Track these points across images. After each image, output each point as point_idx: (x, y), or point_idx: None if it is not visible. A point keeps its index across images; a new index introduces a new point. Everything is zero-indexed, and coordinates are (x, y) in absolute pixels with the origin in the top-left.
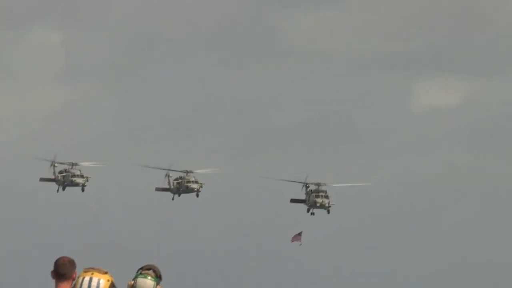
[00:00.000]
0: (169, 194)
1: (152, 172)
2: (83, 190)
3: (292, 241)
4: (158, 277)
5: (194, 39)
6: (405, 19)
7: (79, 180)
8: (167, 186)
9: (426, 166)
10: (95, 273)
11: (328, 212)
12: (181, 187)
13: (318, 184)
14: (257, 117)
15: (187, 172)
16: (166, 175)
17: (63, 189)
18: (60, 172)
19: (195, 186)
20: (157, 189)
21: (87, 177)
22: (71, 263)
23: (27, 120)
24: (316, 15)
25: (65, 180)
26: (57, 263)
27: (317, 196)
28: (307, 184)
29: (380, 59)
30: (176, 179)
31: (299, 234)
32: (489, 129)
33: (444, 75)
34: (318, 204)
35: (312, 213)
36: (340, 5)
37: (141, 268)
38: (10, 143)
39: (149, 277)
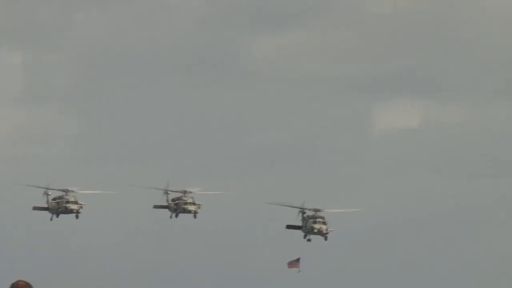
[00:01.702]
0: (167, 212)
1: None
2: (77, 217)
3: (289, 267)
4: None
5: (156, 61)
6: (365, 44)
7: (74, 207)
8: (165, 204)
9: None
10: None
11: (326, 239)
12: (178, 208)
13: (316, 210)
14: (222, 139)
15: (185, 192)
16: (165, 192)
17: (57, 216)
18: (54, 199)
19: (192, 208)
20: (155, 207)
21: (81, 204)
22: (28, 286)
23: None
24: (280, 38)
25: (59, 207)
26: (14, 286)
27: (315, 222)
28: (303, 209)
29: (343, 82)
30: (173, 200)
31: (297, 260)
32: (449, 151)
33: (403, 98)
34: (315, 230)
35: (309, 240)
36: (303, 30)
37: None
38: None
39: None
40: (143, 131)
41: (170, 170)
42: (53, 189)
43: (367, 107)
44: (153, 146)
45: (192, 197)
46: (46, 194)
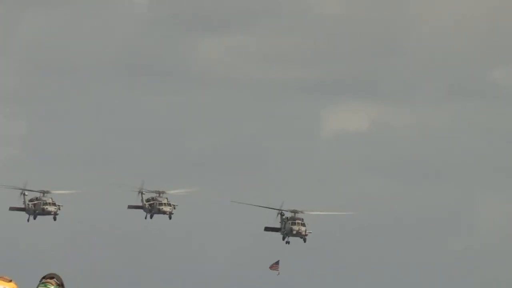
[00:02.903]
0: (142, 212)
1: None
2: (55, 219)
3: (271, 268)
4: (59, 285)
5: (104, 65)
6: (315, 46)
7: (51, 208)
8: (140, 204)
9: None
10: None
11: (305, 240)
12: (153, 209)
13: (295, 212)
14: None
15: (159, 193)
16: (139, 192)
17: (34, 218)
18: (31, 201)
19: (167, 209)
20: (130, 207)
21: (59, 206)
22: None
23: None
24: (227, 40)
25: (36, 208)
26: None
27: (294, 224)
28: (282, 211)
29: (292, 85)
30: (148, 200)
31: (276, 263)
32: (396, 153)
33: (352, 100)
34: (294, 232)
35: (287, 242)
36: (251, 32)
37: (44, 277)
38: None
39: (50, 286)
40: (90, 133)
41: (130, 171)
42: (30, 190)
43: (316, 110)
44: (104, 148)
45: (167, 198)
46: (23, 194)
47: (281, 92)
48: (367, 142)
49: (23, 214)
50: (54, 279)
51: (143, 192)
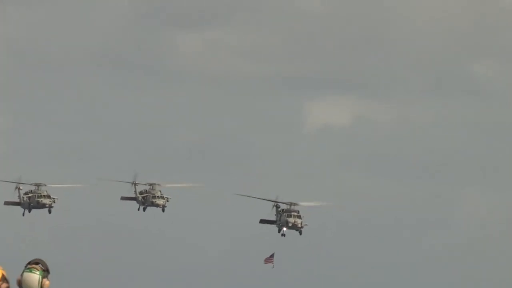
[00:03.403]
0: (135, 205)
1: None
2: (50, 211)
3: (265, 263)
4: (44, 271)
5: (85, 58)
6: (295, 41)
7: (46, 201)
8: (134, 195)
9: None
10: None
11: (300, 233)
12: (146, 202)
13: (290, 204)
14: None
15: (152, 185)
16: (132, 183)
17: (29, 211)
18: (26, 194)
19: (160, 202)
20: (123, 198)
21: (54, 198)
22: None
23: None
24: (208, 36)
25: (31, 201)
26: None
27: (289, 216)
28: (277, 203)
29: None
30: (141, 193)
31: (271, 256)
32: (379, 147)
33: (334, 95)
34: (290, 224)
35: (283, 235)
36: (232, 27)
37: (29, 263)
38: None
39: (35, 271)
40: (70, 129)
41: (115, 165)
42: (24, 183)
43: (298, 105)
44: (90, 142)
45: (160, 191)
46: (18, 188)
47: (263, 87)
48: (350, 137)
49: (18, 209)
50: (39, 265)
51: (137, 184)
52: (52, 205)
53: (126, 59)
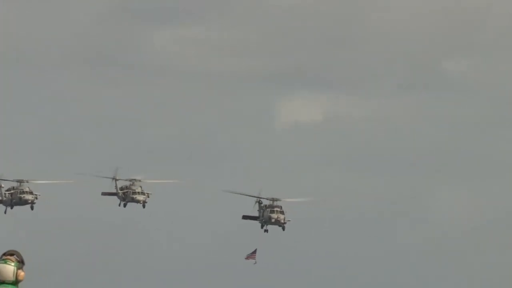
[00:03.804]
0: (116, 200)
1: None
2: (32, 208)
3: (247, 258)
4: (19, 262)
5: (61, 56)
6: (269, 36)
7: (28, 197)
8: (114, 191)
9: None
10: None
11: (283, 229)
12: (126, 198)
13: (273, 199)
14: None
15: (133, 181)
16: (113, 179)
17: (11, 208)
18: (8, 190)
19: (141, 197)
20: (104, 194)
21: (36, 195)
22: None
23: None
24: (182, 32)
25: (13, 197)
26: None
27: (272, 212)
28: (260, 199)
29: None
30: (122, 188)
31: (254, 252)
32: (352, 144)
33: (306, 91)
34: (273, 220)
35: (266, 230)
36: (205, 23)
37: (4, 254)
38: None
39: (10, 262)
40: (51, 125)
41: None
42: (6, 180)
43: (270, 101)
44: (68, 138)
45: (140, 186)
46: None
47: (235, 83)
48: (322, 133)
49: (0, 206)
50: (14, 256)
51: (117, 179)
52: (35, 201)
53: (105, 54)
